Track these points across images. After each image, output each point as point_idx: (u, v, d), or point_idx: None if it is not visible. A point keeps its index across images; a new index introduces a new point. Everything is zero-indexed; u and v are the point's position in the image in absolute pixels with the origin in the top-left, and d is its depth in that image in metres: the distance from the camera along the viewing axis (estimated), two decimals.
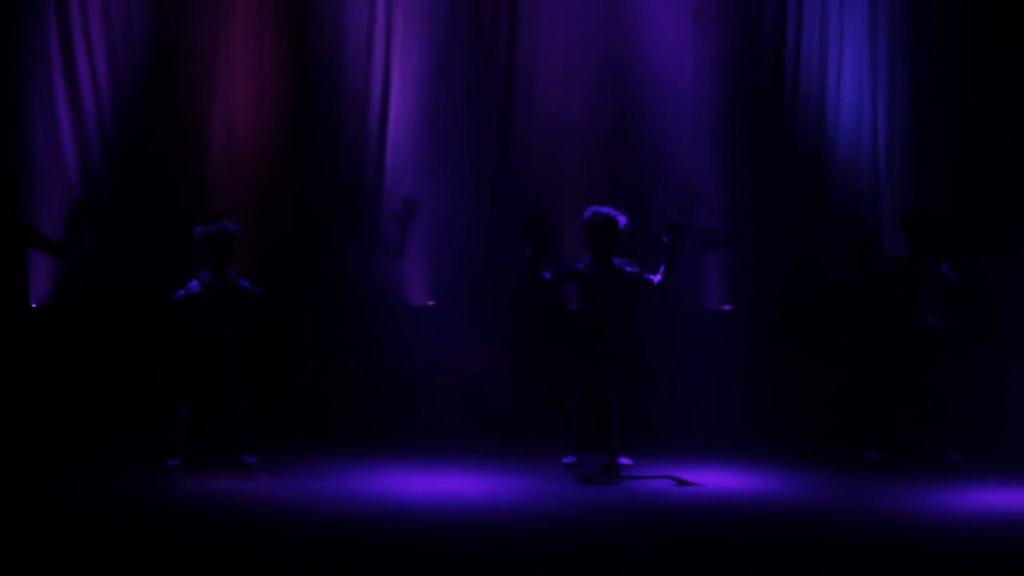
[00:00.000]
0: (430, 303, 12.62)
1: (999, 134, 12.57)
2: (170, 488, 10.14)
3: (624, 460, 10.95)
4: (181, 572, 8.05)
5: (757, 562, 8.40)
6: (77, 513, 9.42)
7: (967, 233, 12.10)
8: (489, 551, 8.58)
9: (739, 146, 12.73)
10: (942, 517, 9.53)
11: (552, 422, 11.38)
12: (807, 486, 10.54)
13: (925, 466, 11.12)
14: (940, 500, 10.04)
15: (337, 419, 11.93)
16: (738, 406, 11.84)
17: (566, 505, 9.86)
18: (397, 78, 12.71)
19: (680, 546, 8.82)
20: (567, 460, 10.94)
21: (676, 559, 8.52)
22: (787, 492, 10.33)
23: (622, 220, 10.87)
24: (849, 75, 12.82)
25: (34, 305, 12.13)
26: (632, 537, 9.03)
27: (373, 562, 8.28)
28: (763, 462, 11.22)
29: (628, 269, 10.91)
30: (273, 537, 8.78)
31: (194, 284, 10.83)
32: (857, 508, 9.81)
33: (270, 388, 11.75)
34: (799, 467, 11.13)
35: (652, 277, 10.85)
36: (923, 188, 12.58)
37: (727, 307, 12.65)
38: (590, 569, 8.25)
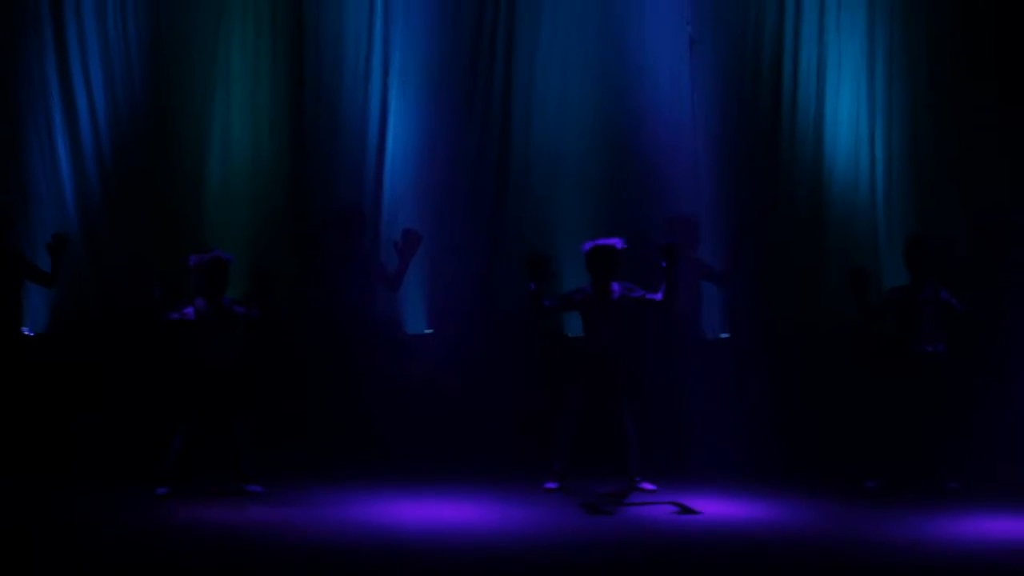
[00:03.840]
0: (428, 331, 12.62)
1: (997, 160, 12.56)
2: (166, 516, 10.07)
3: (648, 486, 10.97)
4: None
5: None
6: (65, 538, 9.38)
7: (965, 259, 12.06)
8: None
9: (737, 175, 12.73)
10: (939, 546, 9.46)
11: (550, 449, 11.34)
12: (804, 514, 10.49)
13: (923, 495, 11.06)
14: (938, 529, 9.97)
15: (335, 447, 11.87)
16: (736, 434, 11.80)
17: (565, 532, 9.80)
18: (395, 105, 12.75)
19: (678, 573, 8.77)
20: (549, 485, 10.97)
21: None
22: (784, 520, 10.28)
23: (619, 243, 10.91)
24: (846, 102, 12.82)
25: (30, 333, 12.16)
26: (631, 566, 8.97)
27: None
28: (760, 490, 11.17)
29: (632, 294, 10.96)
30: (271, 566, 8.74)
31: (189, 311, 10.87)
32: (854, 536, 9.74)
33: (269, 416, 11.71)
34: (797, 495, 11.07)
35: (654, 296, 10.88)
36: (921, 215, 12.57)
37: (724, 335, 12.63)
38: None
